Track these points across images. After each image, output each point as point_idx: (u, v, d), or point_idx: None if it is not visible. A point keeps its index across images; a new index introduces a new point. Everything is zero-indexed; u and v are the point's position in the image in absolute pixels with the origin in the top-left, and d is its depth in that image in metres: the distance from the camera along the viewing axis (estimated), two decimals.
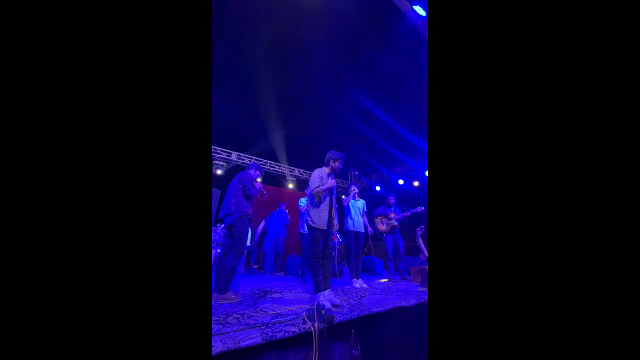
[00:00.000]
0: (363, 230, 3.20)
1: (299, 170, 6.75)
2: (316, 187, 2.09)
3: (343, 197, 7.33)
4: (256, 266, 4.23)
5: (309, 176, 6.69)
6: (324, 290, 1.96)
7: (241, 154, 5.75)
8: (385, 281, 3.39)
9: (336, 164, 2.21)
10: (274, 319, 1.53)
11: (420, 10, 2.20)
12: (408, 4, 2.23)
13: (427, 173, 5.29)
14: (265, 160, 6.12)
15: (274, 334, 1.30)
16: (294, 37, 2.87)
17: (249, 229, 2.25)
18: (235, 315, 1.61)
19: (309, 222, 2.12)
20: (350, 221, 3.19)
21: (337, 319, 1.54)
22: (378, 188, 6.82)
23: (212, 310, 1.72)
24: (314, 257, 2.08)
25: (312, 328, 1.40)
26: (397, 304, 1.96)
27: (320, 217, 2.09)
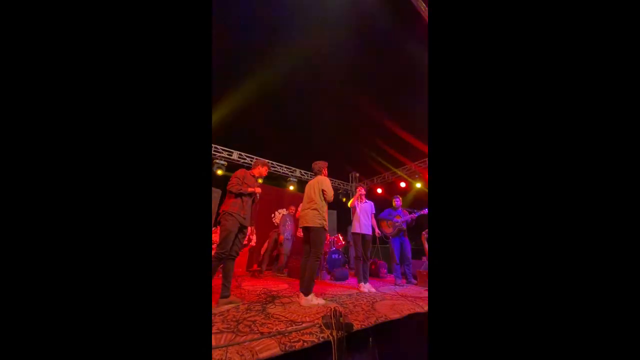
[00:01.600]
0: (370, 233, 3.14)
1: (300, 171, 6.67)
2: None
3: (344, 199, 7.29)
4: (259, 268, 4.13)
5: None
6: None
7: (242, 154, 5.65)
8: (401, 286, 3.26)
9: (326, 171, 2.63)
10: (289, 327, 1.45)
11: None
12: (424, 4, 2.19)
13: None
14: (266, 160, 6.04)
15: (293, 344, 1.23)
16: (297, 38, 2.83)
17: (232, 229, 2.01)
18: (246, 323, 1.53)
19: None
20: (357, 223, 3.12)
21: (355, 326, 1.47)
22: (380, 190, 6.79)
23: (221, 317, 1.64)
24: (319, 258, 2.16)
25: (330, 337, 1.33)
26: (411, 310, 1.90)
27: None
